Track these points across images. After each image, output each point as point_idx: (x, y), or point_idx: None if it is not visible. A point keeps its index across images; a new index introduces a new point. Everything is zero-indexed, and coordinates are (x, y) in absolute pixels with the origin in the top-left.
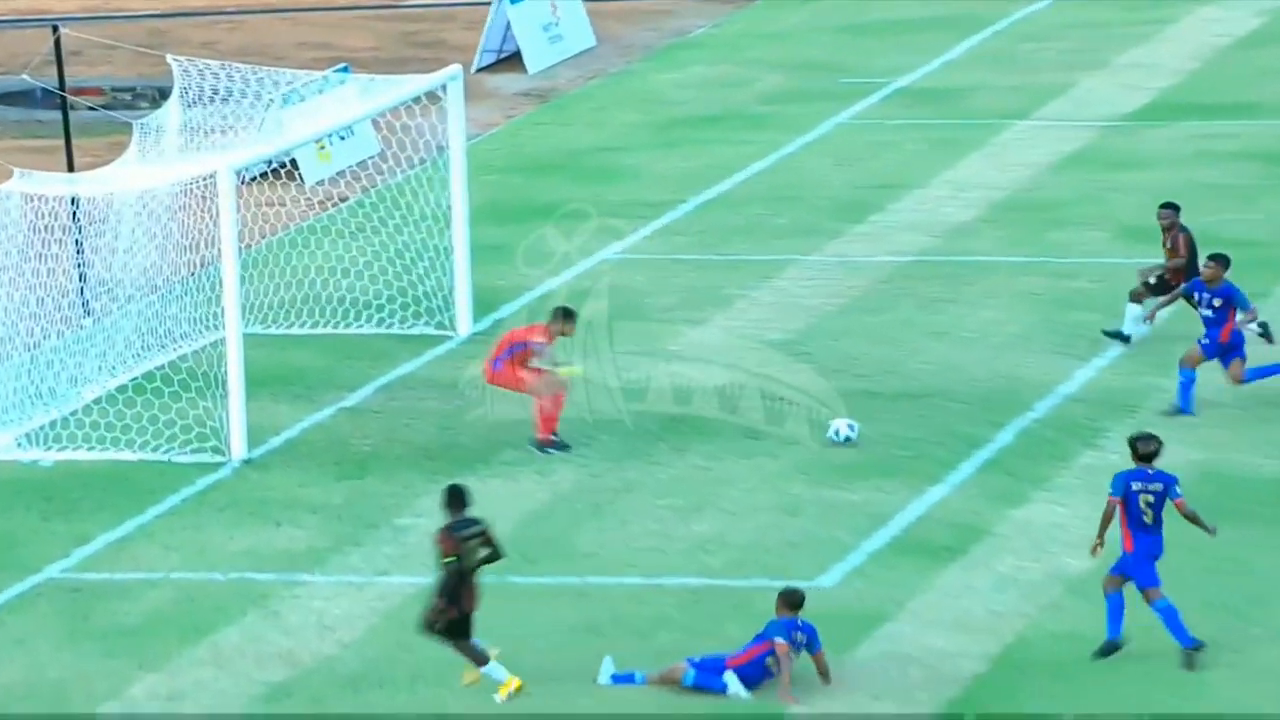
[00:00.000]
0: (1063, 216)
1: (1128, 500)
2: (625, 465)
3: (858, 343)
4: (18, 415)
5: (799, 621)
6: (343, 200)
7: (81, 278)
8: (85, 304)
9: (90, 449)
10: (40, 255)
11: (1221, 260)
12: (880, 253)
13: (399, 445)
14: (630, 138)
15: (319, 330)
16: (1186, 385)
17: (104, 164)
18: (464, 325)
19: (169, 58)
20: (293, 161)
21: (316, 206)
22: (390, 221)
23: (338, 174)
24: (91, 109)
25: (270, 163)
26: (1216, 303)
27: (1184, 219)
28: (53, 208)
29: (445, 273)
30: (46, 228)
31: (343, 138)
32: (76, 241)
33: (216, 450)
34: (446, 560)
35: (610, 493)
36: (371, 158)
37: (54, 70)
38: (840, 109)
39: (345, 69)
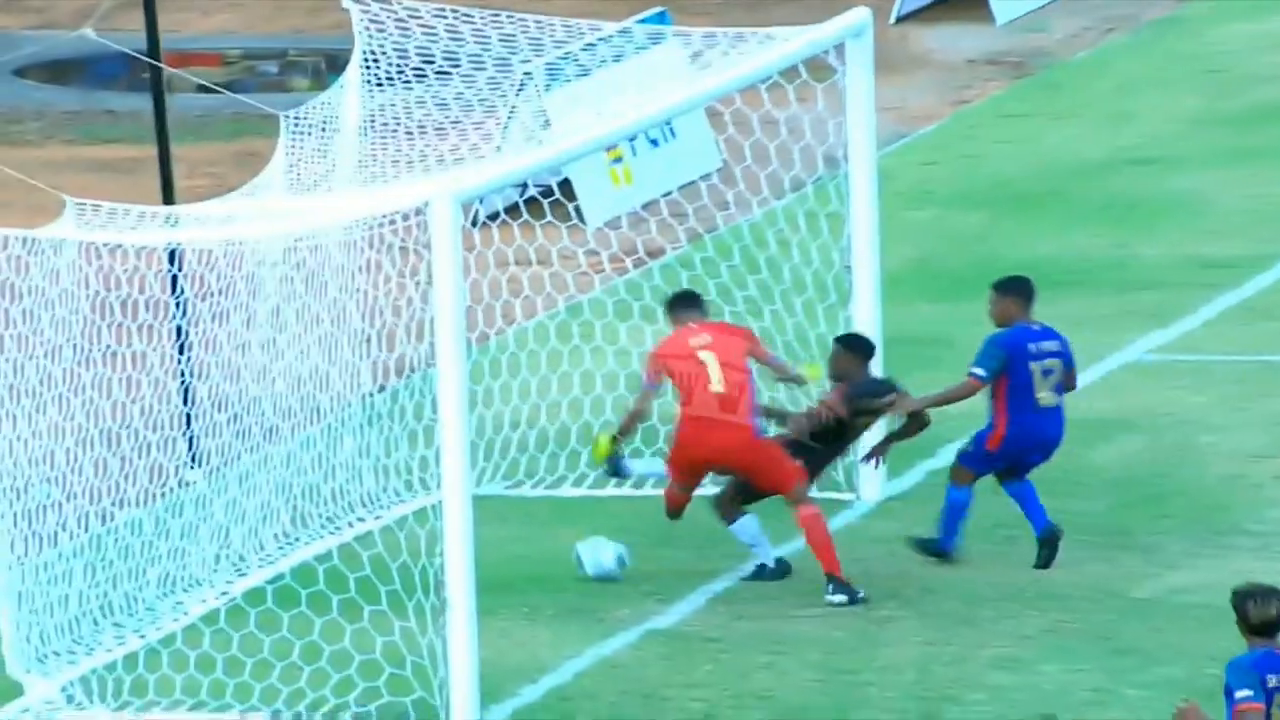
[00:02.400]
0: None
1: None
2: None
3: None
4: (68, 644)
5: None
6: (653, 255)
7: (186, 397)
8: (191, 445)
9: (193, 708)
10: (112, 357)
11: None
12: None
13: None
14: (1185, 140)
15: (607, 491)
16: None
17: (225, 190)
18: (872, 486)
19: (345, 1)
20: (565, 186)
21: (607, 265)
22: (739, 294)
23: (643, 208)
24: (206, 90)
25: (524, 188)
26: None
27: None
28: (135, 269)
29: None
30: (124, 305)
31: (655, 143)
32: (178, 331)
33: (433, 718)
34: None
35: None
36: (706, 178)
37: (137, 22)
38: None
39: (661, 15)
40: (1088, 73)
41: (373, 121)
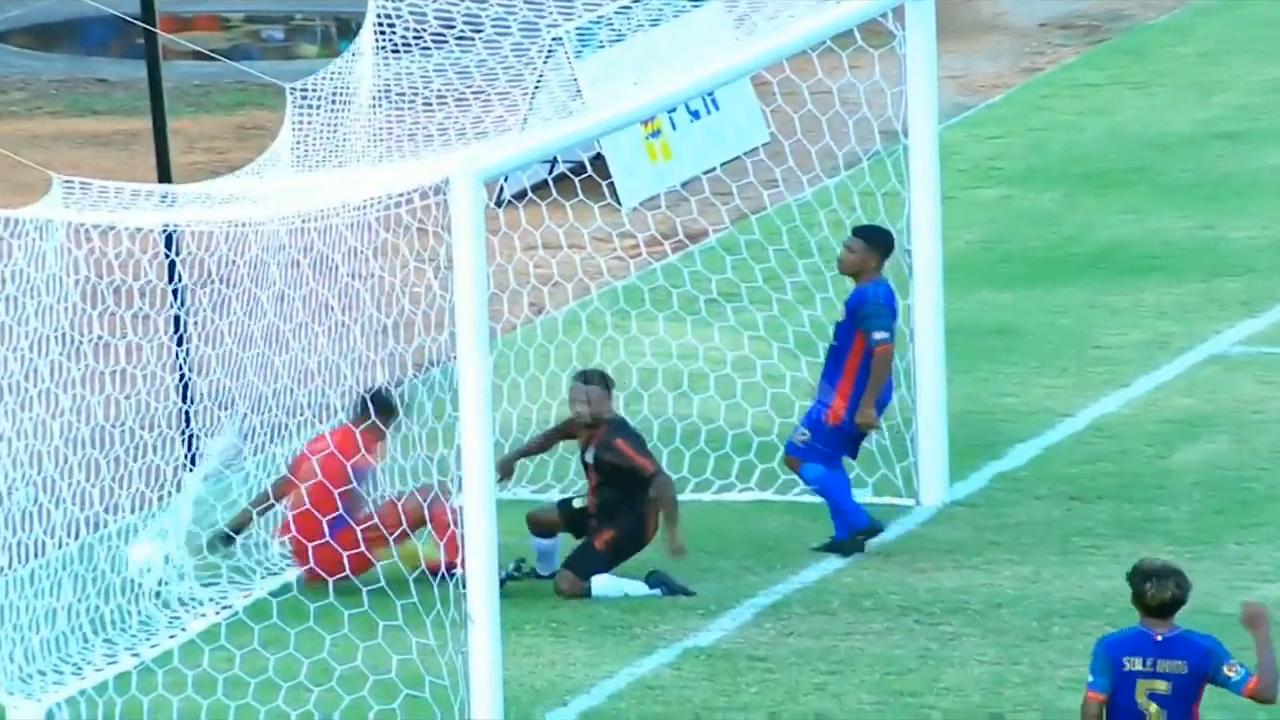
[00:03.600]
0: None
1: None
2: None
3: None
4: (54, 663)
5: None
6: (694, 239)
7: (185, 393)
8: (189, 445)
9: None
10: (103, 348)
11: None
12: None
13: None
14: (1278, 112)
15: None
16: None
17: (226, 168)
18: (932, 490)
19: None
20: (597, 162)
21: (643, 249)
22: (788, 281)
23: (683, 186)
24: (205, 57)
25: (553, 165)
26: None
27: None
28: (129, 253)
29: (897, 388)
30: (116, 292)
31: (696, 115)
32: (176, 321)
33: None
34: None
35: None
36: (752, 154)
37: None
38: None
39: None
40: (1171, 37)
41: (388, 92)
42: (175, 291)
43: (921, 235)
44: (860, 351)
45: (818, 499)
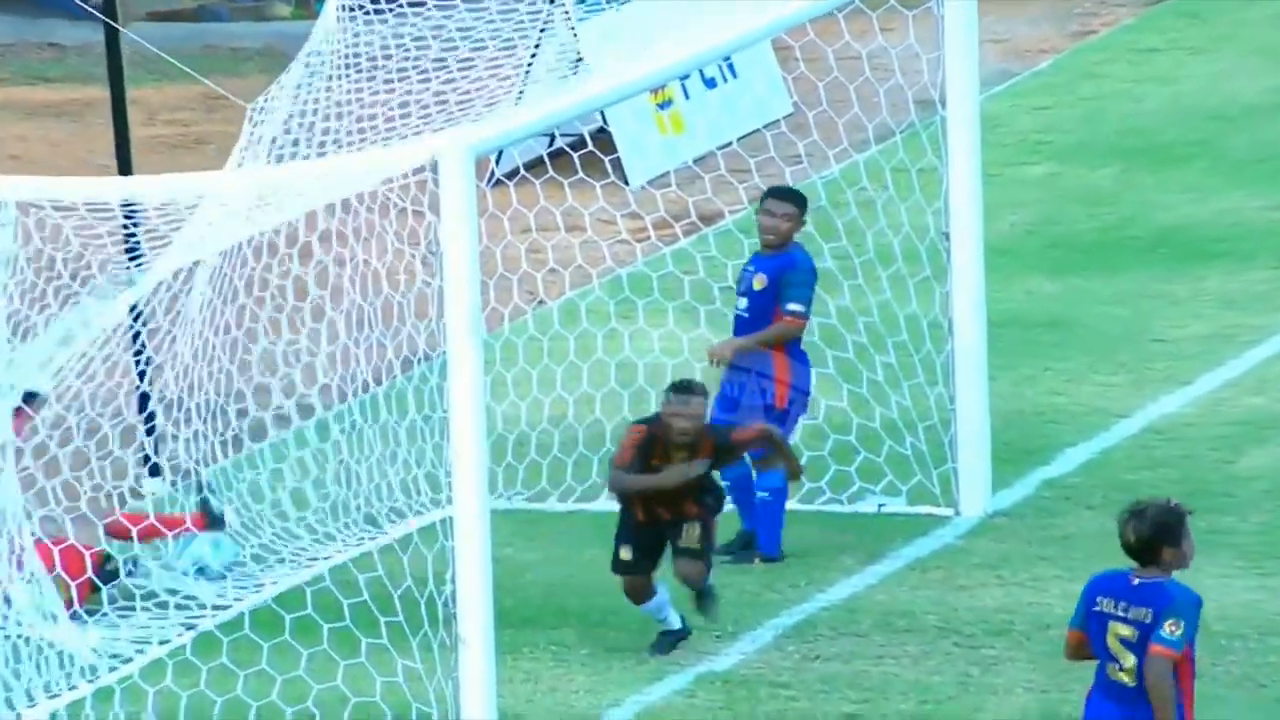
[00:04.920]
0: None
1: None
2: None
3: None
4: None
5: None
6: (708, 221)
7: (144, 390)
8: (150, 449)
9: None
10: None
11: None
12: None
13: None
14: None
15: None
16: None
17: (192, 141)
18: (974, 499)
19: None
20: (601, 137)
21: (652, 232)
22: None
23: (696, 162)
24: (168, 18)
25: (550, 139)
26: None
27: None
28: (80, 245)
29: (935, 386)
30: (78, 274)
31: (710, 84)
32: (135, 315)
33: None
34: None
35: None
36: (772, 127)
37: None
38: None
39: None
40: None
41: (369, 60)
42: (132, 256)
43: (961, 216)
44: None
45: (846, 509)
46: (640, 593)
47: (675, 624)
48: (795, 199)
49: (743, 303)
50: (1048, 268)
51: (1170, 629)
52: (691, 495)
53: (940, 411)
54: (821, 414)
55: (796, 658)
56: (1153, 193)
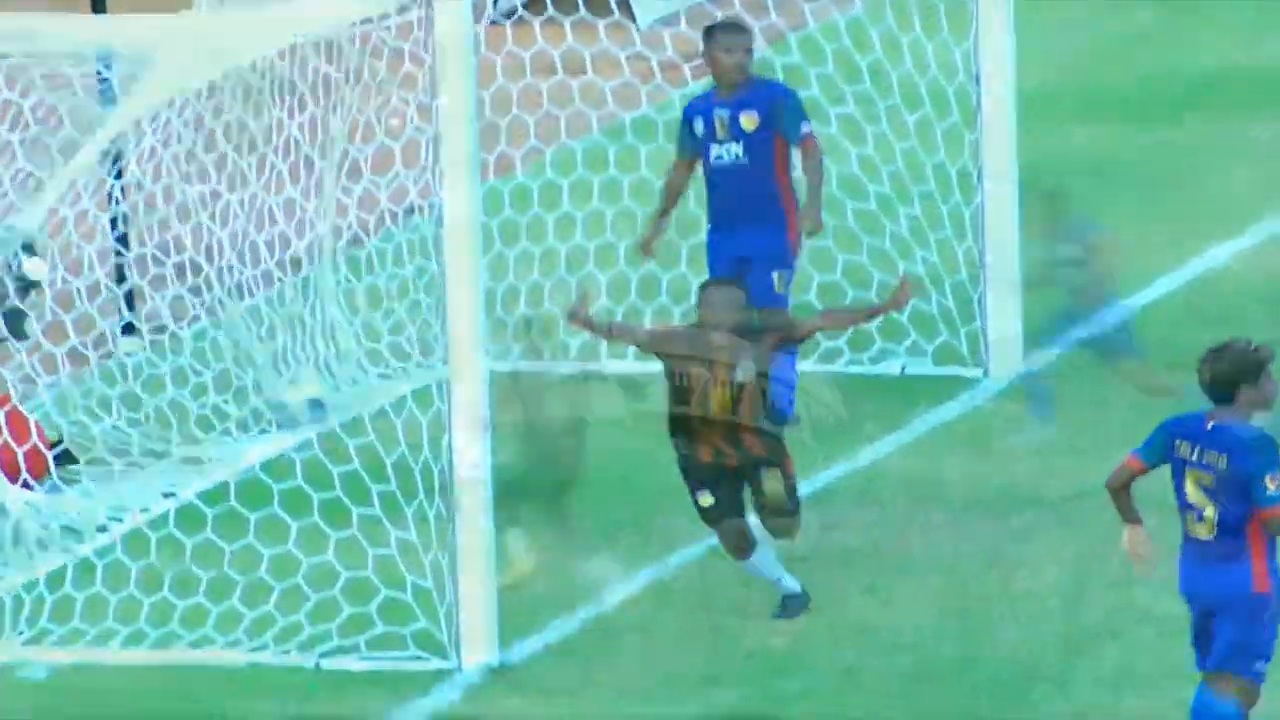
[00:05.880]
0: None
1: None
2: None
3: None
4: None
5: None
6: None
7: (120, 249)
8: (126, 312)
9: (127, 640)
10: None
11: None
12: None
13: None
14: None
15: (654, 364)
16: None
17: None
18: (1004, 360)
19: None
20: None
21: (658, 74)
22: (832, 112)
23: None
24: None
25: None
26: None
27: None
28: (42, 96)
29: (963, 239)
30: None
31: None
32: (112, 162)
33: (438, 654)
34: None
35: None
36: None
37: None
38: None
39: None
40: None
41: None
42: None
43: (991, 60)
44: (784, 157)
45: (868, 370)
46: (744, 540)
47: (794, 586)
48: (745, 29)
49: (734, 148)
50: (1083, 115)
51: (1272, 484)
52: (747, 428)
53: (969, 267)
54: (839, 270)
55: (815, 529)
56: (1195, 36)
